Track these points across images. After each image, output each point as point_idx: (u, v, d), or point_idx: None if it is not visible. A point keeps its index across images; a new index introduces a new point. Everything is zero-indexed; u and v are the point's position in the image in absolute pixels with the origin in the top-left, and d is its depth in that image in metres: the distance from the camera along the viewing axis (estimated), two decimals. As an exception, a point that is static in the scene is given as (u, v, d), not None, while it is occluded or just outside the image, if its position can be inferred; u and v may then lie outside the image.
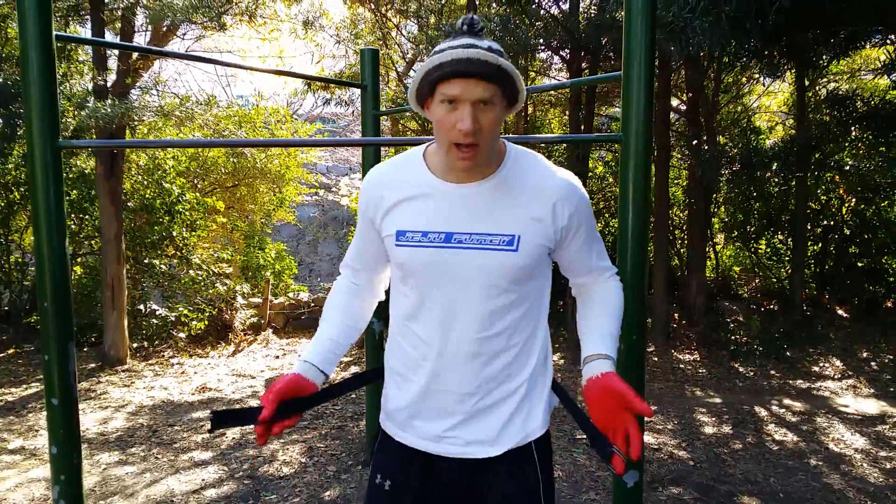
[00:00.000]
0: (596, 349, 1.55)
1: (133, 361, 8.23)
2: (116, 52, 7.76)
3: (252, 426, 1.52)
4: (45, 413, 6.10)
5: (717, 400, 6.71)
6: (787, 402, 6.65)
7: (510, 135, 12.75)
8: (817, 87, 11.48)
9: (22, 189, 8.83)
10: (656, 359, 8.66)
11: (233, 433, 5.59)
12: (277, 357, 8.89)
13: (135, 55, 7.56)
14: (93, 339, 8.80)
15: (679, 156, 12.34)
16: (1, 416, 6.05)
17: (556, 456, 5.01)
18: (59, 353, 2.94)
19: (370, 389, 4.53)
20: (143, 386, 7.23)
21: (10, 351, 8.59)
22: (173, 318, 9.14)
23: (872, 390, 7.13)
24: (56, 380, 2.94)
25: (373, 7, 11.78)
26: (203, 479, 4.59)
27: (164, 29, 8.02)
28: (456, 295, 1.52)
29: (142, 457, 5.06)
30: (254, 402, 6.65)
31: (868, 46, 8.80)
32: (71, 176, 8.77)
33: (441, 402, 1.59)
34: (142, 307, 9.30)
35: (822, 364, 8.27)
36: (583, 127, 9.48)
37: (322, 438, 5.40)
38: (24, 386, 7.10)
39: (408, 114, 11.32)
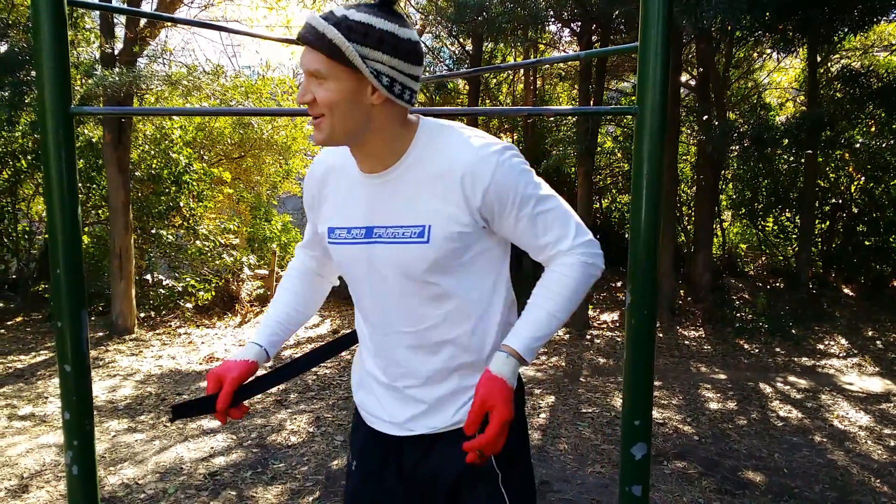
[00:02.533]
0: (506, 341, 1.41)
1: (141, 331, 8.28)
2: (124, 19, 7.71)
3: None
4: (53, 380, 6.16)
5: (722, 376, 6.73)
6: (791, 379, 6.67)
7: (520, 106, 12.68)
8: (829, 64, 11.36)
9: (29, 157, 8.83)
10: (661, 335, 8.67)
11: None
12: (284, 328, 8.93)
13: (142, 23, 7.51)
14: (101, 309, 8.84)
15: (688, 131, 12.26)
16: (11, 383, 6.11)
17: (562, 429, 5.05)
18: (72, 320, 2.94)
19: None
20: (151, 355, 7.28)
21: (19, 319, 8.65)
22: (180, 289, 9.17)
23: (877, 368, 7.14)
24: (69, 347, 2.95)
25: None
26: (212, 447, 4.63)
27: (172, -3, 7.96)
28: (382, 290, 1.46)
29: (151, 424, 5.10)
30: (260, 373, 6.68)
31: (883, 22, 8.69)
32: (78, 145, 8.74)
33: (398, 394, 1.53)
34: (149, 277, 9.35)
35: (827, 342, 8.28)
36: (592, 101, 9.41)
37: (329, 409, 5.44)
38: (33, 353, 7.15)
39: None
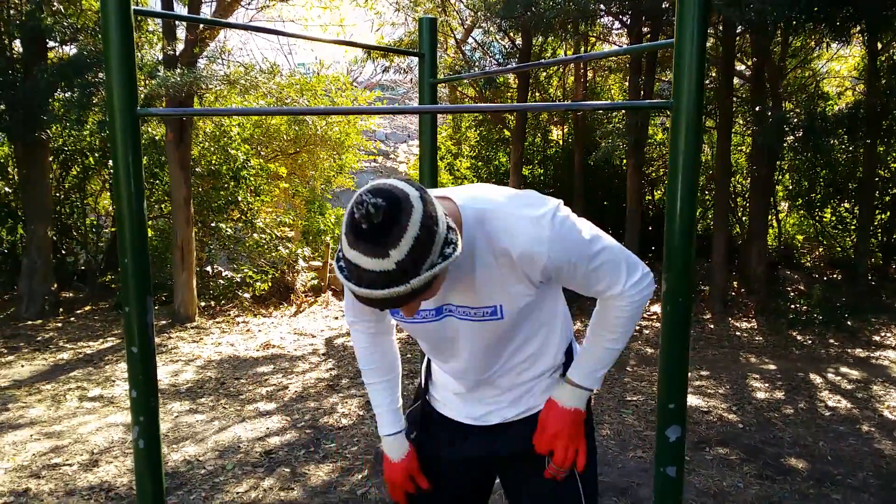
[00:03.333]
0: (568, 374, 1.63)
1: (201, 319, 8.64)
2: (185, 23, 8.04)
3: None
4: (120, 365, 6.52)
5: (772, 367, 6.69)
6: (843, 370, 6.59)
7: (568, 101, 12.68)
8: (891, 51, 11.04)
9: (96, 155, 9.28)
10: (712, 326, 8.62)
11: (294, 387, 5.89)
12: (336, 318, 9.19)
13: (202, 25, 7.82)
14: (164, 298, 9.24)
15: (743, 122, 12.07)
16: (81, 368, 6.48)
17: (606, 416, 5.13)
18: (139, 305, 3.18)
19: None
20: (211, 342, 7.61)
21: (87, 308, 9.11)
22: (238, 280, 9.52)
23: (935, 361, 6.99)
24: (136, 330, 3.18)
25: (432, -27, 11.78)
26: (267, 428, 4.87)
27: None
28: (457, 351, 1.61)
29: (210, 406, 5.38)
30: (314, 360, 6.95)
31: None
32: (143, 143, 9.14)
33: (475, 400, 1.71)
34: (209, 269, 9.72)
35: (883, 333, 8.12)
36: (642, 92, 9.39)
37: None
38: (101, 340, 7.55)
39: (465, 81, 11.38)
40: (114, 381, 6.03)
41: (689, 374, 3.08)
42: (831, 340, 7.84)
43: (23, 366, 6.48)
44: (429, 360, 1.84)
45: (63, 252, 9.95)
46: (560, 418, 1.58)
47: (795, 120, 9.33)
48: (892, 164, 11.33)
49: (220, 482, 3.93)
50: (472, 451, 1.73)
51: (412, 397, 1.92)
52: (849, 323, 8.37)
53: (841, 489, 3.85)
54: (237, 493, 3.79)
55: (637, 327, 8.42)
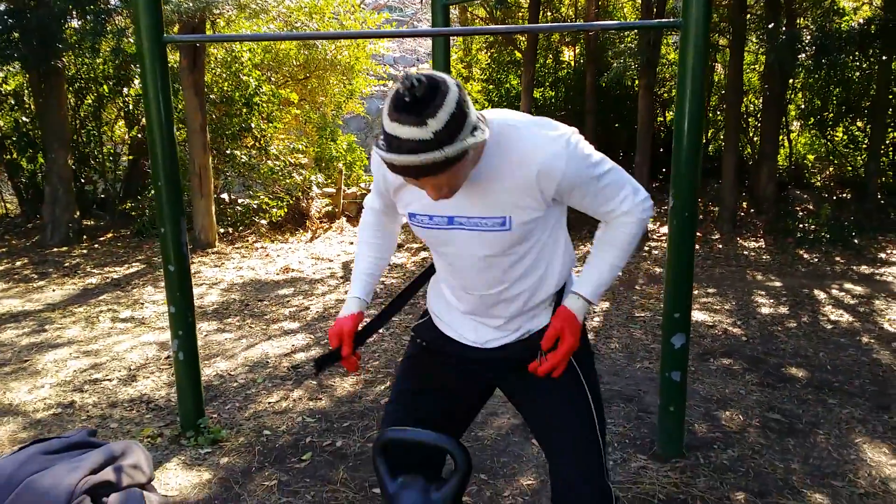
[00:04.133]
0: (577, 286, 1.75)
1: (221, 245, 8.87)
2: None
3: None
4: (147, 288, 6.78)
5: (778, 284, 6.88)
6: (847, 286, 6.77)
7: (580, 21, 12.50)
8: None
9: (110, 83, 9.32)
10: (721, 246, 8.78)
11: (315, 307, 6.13)
12: (352, 243, 9.39)
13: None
14: (160, 231, 9.45)
15: (756, 40, 11.90)
16: (109, 291, 6.74)
17: (615, 330, 5.35)
18: (173, 226, 3.37)
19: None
20: (233, 266, 7.85)
21: (109, 235, 9.35)
22: (255, 206, 9.70)
23: (938, 276, 7.15)
24: (171, 249, 3.39)
25: None
26: (293, 345, 5.13)
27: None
28: (467, 263, 1.73)
29: (237, 326, 5.63)
30: (332, 282, 7.18)
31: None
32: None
33: (479, 325, 1.85)
34: (225, 196, 9.89)
35: (889, 251, 8.26)
36: (655, 10, 9.27)
37: (398, 313, 5.87)
38: (126, 265, 7.80)
39: (476, 2, 11.22)
40: (142, 304, 6.29)
41: (696, 291, 3.27)
42: (837, 258, 8.00)
43: (54, 290, 6.75)
44: (437, 286, 1.97)
45: (82, 181, 10.12)
46: (576, 328, 1.71)
47: (809, 37, 9.23)
48: (907, 82, 11.20)
49: (252, 394, 4.19)
50: (472, 360, 1.87)
51: (420, 314, 2.07)
52: (856, 241, 8.50)
53: (838, 394, 4.07)
54: (269, 403, 4.05)
55: (646, 248, 8.61)
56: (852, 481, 3.05)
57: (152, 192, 9.35)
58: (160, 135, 3.26)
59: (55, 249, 8.45)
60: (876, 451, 3.35)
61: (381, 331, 5.41)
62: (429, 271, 2.02)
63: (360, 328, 1.90)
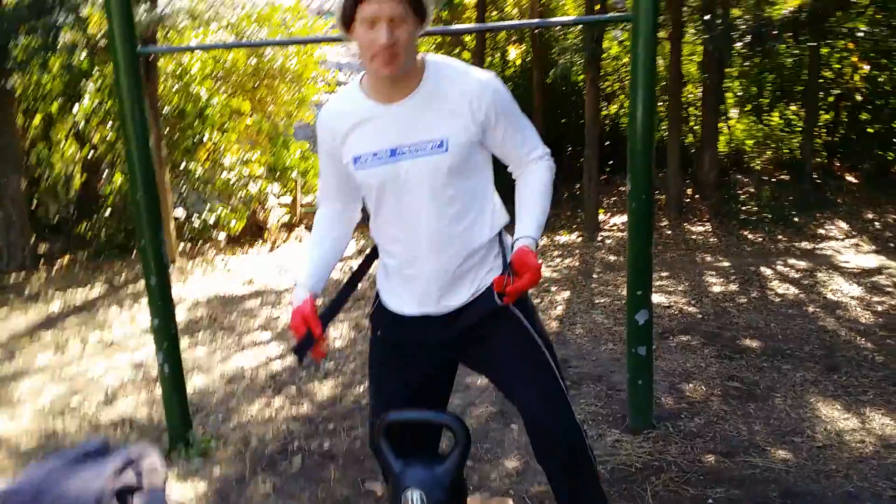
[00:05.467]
0: (522, 231, 1.89)
1: (181, 261, 8.86)
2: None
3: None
4: (112, 309, 6.76)
5: (726, 264, 7.21)
6: (791, 261, 7.15)
7: (525, 19, 12.77)
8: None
9: (60, 101, 9.18)
10: (669, 232, 9.12)
11: (285, 317, 6.21)
12: (313, 250, 9.46)
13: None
14: (140, 244, 9.39)
15: (694, 31, 12.34)
16: (74, 315, 6.69)
17: (577, 317, 5.58)
18: (152, 238, 3.45)
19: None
20: (196, 282, 7.85)
21: (66, 258, 9.23)
22: (213, 220, 9.69)
23: (873, 247, 7.59)
24: (152, 262, 3.46)
25: None
26: (267, 356, 5.21)
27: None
28: (412, 198, 1.86)
29: (209, 340, 5.68)
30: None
31: None
32: (106, 83, 9.06)
33: (421, 286, 1.94)
34: (181, 210, 9.86)
35: (827, 227, 8.71)
36: (598, 7, 9.57)
37: (365, 316, 6.00)
38: (89, 287, 7.74)
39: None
40: (110, 326, 6.27)
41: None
42: (780, 237, 8.40)
43: (17, 318, 6.68)
44: (383, 266, 2.04)
45: (35, 204, 9.95)
46: (534, 258, 1.82)
47: (744, 25, 9.63)
48: (836, 66, 11.76)
49: (233, 406, 4.26)
50: (434, 338, 1.98)
51: (372, 301, 2.15)
52: (795, 220, 8.93)
53: (791, 360, 4.36)
54: (251, 413, 4.14)
55: (599, 238, 8.89)
56: (810, 436, 3.31)
57: (107, 212, 9.37)
58: (136, 147, 3.34)
59: (13, 275, 8.33)
60: (829, 408, 3.63)
61: (353, 335, 5.53)
62: (373, 252, 2.10)
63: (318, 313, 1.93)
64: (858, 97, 11.80)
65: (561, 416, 1.87)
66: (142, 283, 7.79)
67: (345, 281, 2.12)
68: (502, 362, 1.96)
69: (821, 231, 8.53)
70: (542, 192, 1.92)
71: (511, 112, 1.85)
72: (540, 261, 1.85)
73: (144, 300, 7.15)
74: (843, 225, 8.70)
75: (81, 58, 8.17)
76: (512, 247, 1.89)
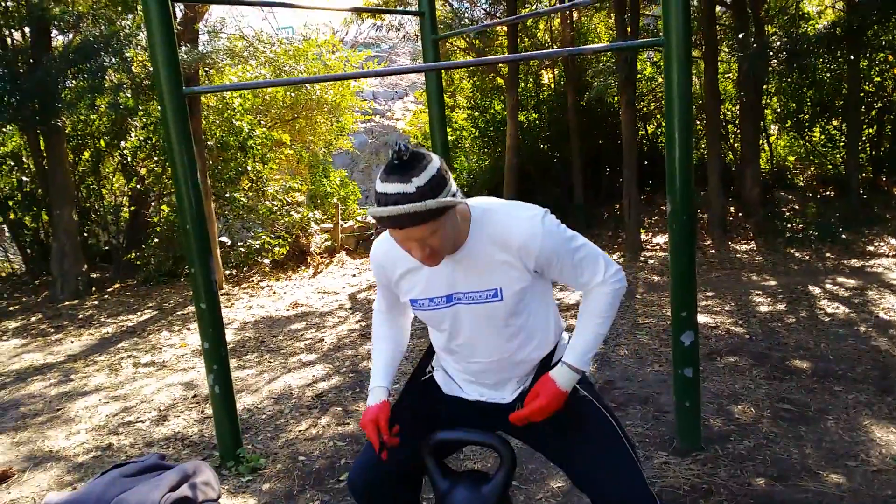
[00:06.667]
0: (565, 356, 1.93)
1: (228, 286, 9.04)
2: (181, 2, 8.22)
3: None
4: (163, 333, 6.92)
5: (773, 283, 7.11)
6: (840, 279, 7.02)
7: (556, 47, 12.85)
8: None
9: (107, 138, 9.53)
10: (714, 251, 9.03)
11: (329, 339, 6.30)
12: (354, 276, 9.58)
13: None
14: (190, 271, 9.62)
15: (728, 50, 12.29)
16: (126, 339, 6.88)
17: (622, 338, 5.55)
18: (202, 265, 3.56)
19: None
20: (242, 306, 8.01)
21: (117, 285, 9.50)
22: (257, 246, 9.89)
23: (925, 264, 7.41)
24: (202, 287, 3.57)
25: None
26: (313, 376, 5.29)
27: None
28: (470, 335, 1.95)
29: (256, 362, 5.79)
30: (342, 314, 7.36)
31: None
32: (151, 121, 9.40)
33: (478, 385, 2.05)
34: (225, 238, 10.08)
35: (877, 244, 8.53)
36: (629, 29, 9.60)
37: (410, 337, 6.05)
38: (139, 312, 7.95)
39: (461, 34, 11.54)
40: (160, 348, 6.43)
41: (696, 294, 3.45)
42: (827, 254, 8.25)
43: (72, 342, 6.89)
44: (432, 351, 2.17)
45: (86, 234, 10.28)
46: (553, 396, 1.87)
47: (778, 43, 9.58)
48: (877, 79, 11.58)
49: (281, 424, 4.35)
50: (471, 410, 2.07)
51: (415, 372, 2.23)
52: (843, 236, 8.77)
53: (842, 382, 4.27)
54: (299, 431, 4.21)
55: (641, 258, 8.85)
56: (864, 460, 3.24)
57: (155, 240, 9.63)
58: (185, 181, 3.46)
59: (67, 303, 8.59)
60: (884, 431, 3.55)
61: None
62: (429, 351, 2.20)
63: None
64: (902, 110, 11.59)
65: (638, 494, 1.84)
66: (190, 307, 8.01)
67: (403, 387, 2.22)
68: (564, 438, 1.97)
69: (870, 248, 8.36)
70: (596, 316, 1.91)
71: (564, 249, 1.83)
72: (566, 389, 1.88)
73: (193, 324, 7.37)
74: (894, 241, 8.51)
75: (127, 96, 8.48)
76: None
